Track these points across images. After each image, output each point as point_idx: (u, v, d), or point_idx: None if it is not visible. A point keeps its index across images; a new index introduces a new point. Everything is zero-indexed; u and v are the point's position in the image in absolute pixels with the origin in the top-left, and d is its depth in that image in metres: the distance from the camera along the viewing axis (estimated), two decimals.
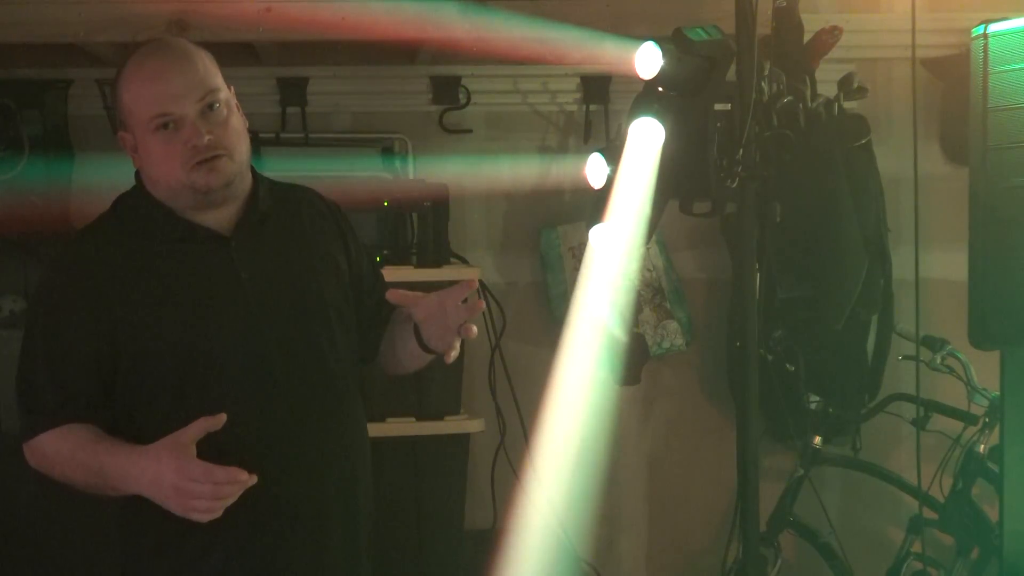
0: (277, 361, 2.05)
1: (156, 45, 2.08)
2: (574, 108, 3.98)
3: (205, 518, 1.86)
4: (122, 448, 1.95)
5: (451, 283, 3.77)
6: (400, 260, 3.52)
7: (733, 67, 2.45)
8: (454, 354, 2.08)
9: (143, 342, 1.99)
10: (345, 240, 2.27)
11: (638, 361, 3.47)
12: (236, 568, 2.04)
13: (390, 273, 3.43)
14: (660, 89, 2.50)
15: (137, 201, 2.10)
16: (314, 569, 2.11)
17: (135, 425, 2.00)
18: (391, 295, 2.08)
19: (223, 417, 1.86)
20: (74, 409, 2.00)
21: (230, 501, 1.86)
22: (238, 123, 2.07)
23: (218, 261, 2.06)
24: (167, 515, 1.96)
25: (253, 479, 1.85)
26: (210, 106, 2.01)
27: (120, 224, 2.09)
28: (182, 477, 1.84)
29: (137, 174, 2.11)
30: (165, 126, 1.99)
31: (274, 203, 2.17)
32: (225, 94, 2.06)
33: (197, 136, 1.98)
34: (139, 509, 2.00)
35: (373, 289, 2.30)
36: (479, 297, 2.16)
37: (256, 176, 2.16)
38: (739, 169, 2.44)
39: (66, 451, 1.98)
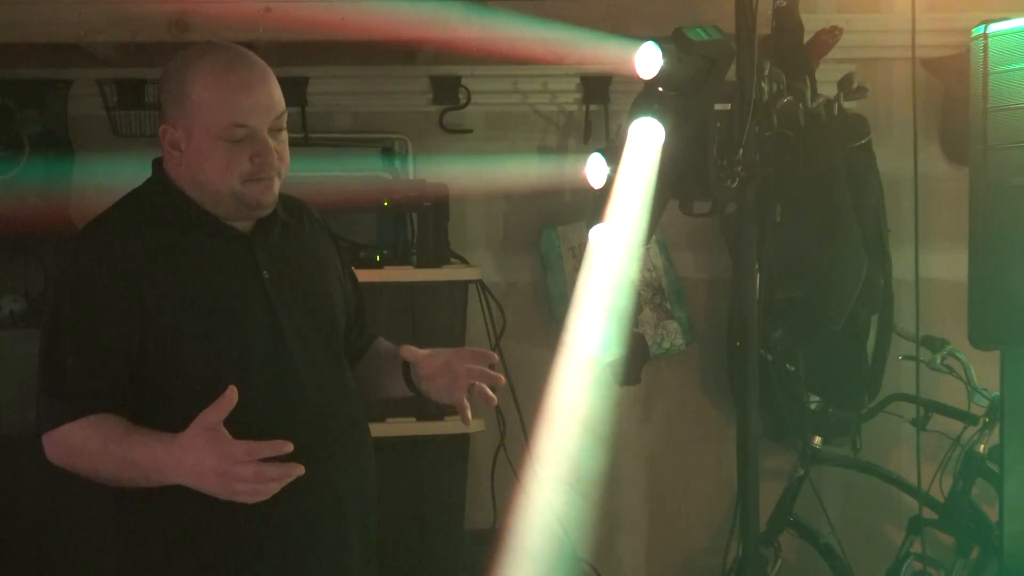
0: (299, 359, 2.05)
1: (238, 53, 2.08)
2: (574, 108, 3.98)
3: (253, 499, 1.84)
4: (155, 439, 1.91)
5: (450, 283, 3.77)
6: (400, 260, 3.52)
7: (733, 67, 2.45)
8: (469, 414, 2.11)
9: (171, 335, 1.98)
10: (338, 250, 2.30)
11: (638, 361, 3.48)
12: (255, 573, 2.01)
13: (390, 273, 3.46)
14: (660, 89, 2.50)
15: (162, 194, 2.07)
16: (337, 571, 2.09)
17: (157, 417, 1.96)
18: (404, 352, 2.13)
19: (235, 391, 1.84)
20: (104, 400, 1.96)
21: (277, 485, 1.83)
22: None
23: (242, 259, 2.06)
24: (177, 519, 1.95)
25: (300, 469, 1.83)
26: (279, 127, 2.05)
27: (143, 214, 2.06)
28: (224, 461, 1.81)
29: (157, 165, 2.10)
30: (235, 136, 1.99)
31: (283, 212, 2.18)
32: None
33: (270, 154, 2.01)
34: (144, 513, 1.99)
35: (354, 302, 2.31)
36: (501, 370, 2.16)
37: None
38: (739, 169, 2.44)
39: (95, 442, 1.93)
